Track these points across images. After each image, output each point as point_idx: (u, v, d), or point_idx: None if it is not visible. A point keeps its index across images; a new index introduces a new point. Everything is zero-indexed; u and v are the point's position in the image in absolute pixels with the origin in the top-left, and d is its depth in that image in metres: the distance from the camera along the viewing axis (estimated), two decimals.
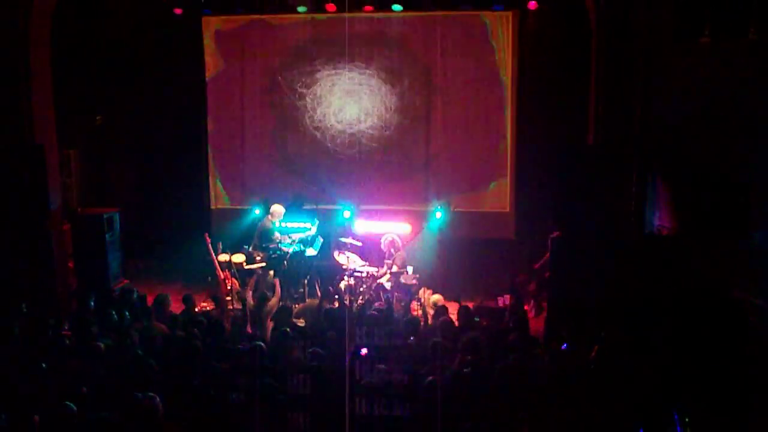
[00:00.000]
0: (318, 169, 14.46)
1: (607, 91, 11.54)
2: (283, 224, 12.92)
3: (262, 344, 7.95)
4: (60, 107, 12.09)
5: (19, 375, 7.18)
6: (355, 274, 12.33)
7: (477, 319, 9.69)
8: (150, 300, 10.44)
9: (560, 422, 6.50)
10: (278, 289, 11.00)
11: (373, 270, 12.48)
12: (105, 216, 12.20)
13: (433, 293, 11.96)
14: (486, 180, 14.28)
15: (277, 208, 12.76)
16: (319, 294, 12.17)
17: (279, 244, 12.40)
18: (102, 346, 7.89)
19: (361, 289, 12.18)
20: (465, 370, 7.30)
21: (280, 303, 10.81)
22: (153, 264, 14.13)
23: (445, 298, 11.43)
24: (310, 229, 12.98)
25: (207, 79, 14.53)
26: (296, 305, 11.13)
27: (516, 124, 14.03)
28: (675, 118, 10.50)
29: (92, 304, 9.99)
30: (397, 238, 12.73)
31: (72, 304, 11.25)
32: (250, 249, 12.64)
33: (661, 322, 8.64)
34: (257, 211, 13.36)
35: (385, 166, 14.41)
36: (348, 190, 14.00)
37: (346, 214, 13.34)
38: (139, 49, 14.29)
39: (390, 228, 13.14)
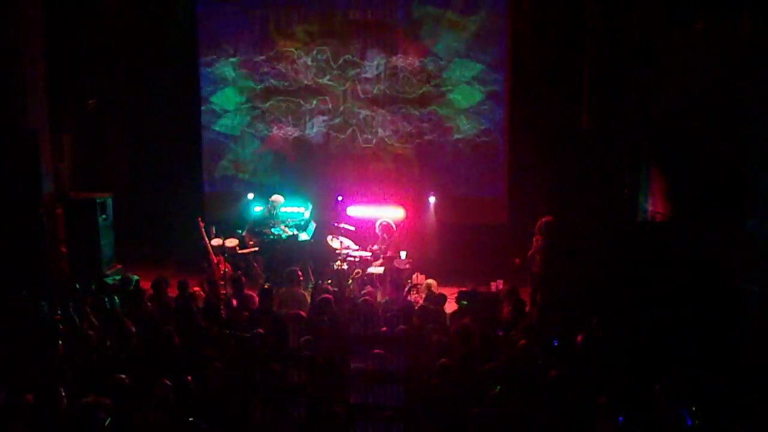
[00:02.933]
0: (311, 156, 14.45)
1: (601, 77, 11.53)
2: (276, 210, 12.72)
3: (261, 331, 7.86)
4: (53, 92, 11.93)
5: (10, 359, 7.14)
6: (348, 258, 12.20)
7: (464, 302, 9.45)
8: (144, 285, 10.32)
9: (539, 409, 6.43)
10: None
11: (366, 255, 12.32)
12: (98, 200, 12.08)
13: (426, 278, 11.80)
14: (479, 166, 14.14)
15: (277, 198, 12.57)
16: (312, 279, 12.03)
17: (272, 229, 12.25)
18: (92, 333, 7.87)
19: (354, 275, 11.97)
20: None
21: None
22: (146, 248, 13.99)
23: (438, 283, 11.32)
24: (303, 214, 12.83)
25: (202, 61, 14.40)
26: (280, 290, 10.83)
27: (510, 109, 13.87)
28: (669, 104, 10.38)
29: (85, 289, 9.81)
30: (391, 223, 12.64)
31: (65, 289, 10.55)
32: (244, 233, 12.52)
33: (654, 309, 8.56)
34: (251, 196, 13.23)
35: (375, 153, 14.32)
36: (341, 179, 13.97)
37: (341, 199, 13.22)
38: (133, 32, 14.06)
39: (383, 213, 13.03)
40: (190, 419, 6.00)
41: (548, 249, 10.27)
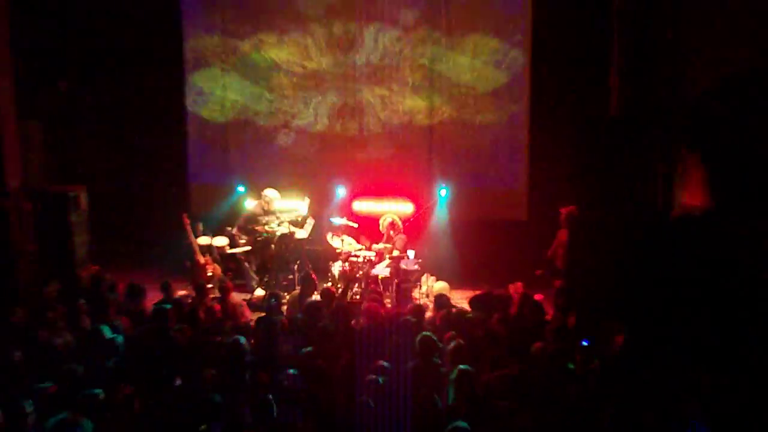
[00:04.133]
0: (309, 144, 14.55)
1: (631, 54, 11.35)
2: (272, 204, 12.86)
3: (241, 338, 7.87)
4: (20, 74, 11.91)
5: None
6: (351, 259, 12.22)
7: (469, 315, 9.36)
8: (121, 288, 10.36)
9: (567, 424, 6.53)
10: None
11: (370, 255, 12.36)
12: (71, 194, 12.01)
13: (436, 280, 12.05)
14: (497, 155, 14.18)
15: (271, 193, 12.56)
16: (317, 284, 12.22)
17: (266, 226, 12.28)
18: (60, 341, 7.87)
19: (358, 275, 12.07)
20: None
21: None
22: (126, 248, 14.00)
23: (450, 286, 11.47)
24: (300, 209, 12.83)
25: (186, 38, 14.46)
26: (285, 294, 11.04)
27: (531, 94, 13.93)
28: (709, 83, 10.29)
29: (56, 292, 9.91)
30: (397, 219, 12.68)
31: (34, 292, 10.95)
32: (234, 231, 12.55)
33: (690, 313, 8.53)
34: (241, 189, 13.29)
35: (382, 138, 14.39)
36: (341, 167, 14.05)
37: (342, 192, 13.36)
38: (109, 5, 14.01)
39: (389, 207, 13.19)
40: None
41: (573, 243, 10.26)
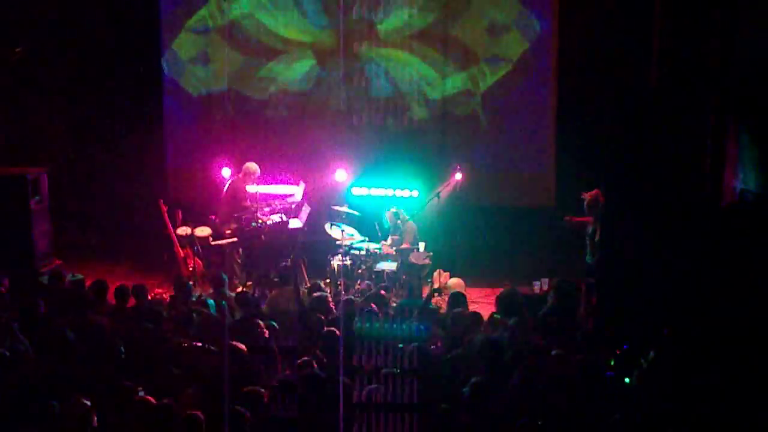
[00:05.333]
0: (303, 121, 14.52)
1: (676, 17, 11.25)
2: (260, 189, 12.86)
3: (212, 348, 7.87)
4: None
5: None
6: (352, 251, 12.24)
7: (497, 316, 9.38)
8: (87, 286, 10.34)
9: None
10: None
11: (374, 246, 12.35)
12: (29, 177, 11.85)
13: (450, 276, 12.05)
14: (520, 133, 14.14)
15: (252, 167, 12.56)
16: (305, 278, 12.08)
17: (255, 214, 12.20)
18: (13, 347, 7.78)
19: (359, 271, 12.08)
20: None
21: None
22: (93, 239, 14.01)
23: (466, 283, 11.56)
24: (294, 194, 12.79)
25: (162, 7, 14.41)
26: (271, 292, 10.96)
27: (558, 64, 13.85)
28: (763, 45, 10.19)
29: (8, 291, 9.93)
30: (404, 210, 12.61)
31: None
32: (218, 220, 12.45)
33: (744, 315, 8.40)
34: (227, 171, 13.17)
35: (386, 114, 14.32)
36: (342, 148, 13.91)
37: (342, 176, 13.25)
38: None
39: (395, 192, 13.10)
40: None
41: (604, 235, 10.13)
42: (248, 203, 12.37)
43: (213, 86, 14.52)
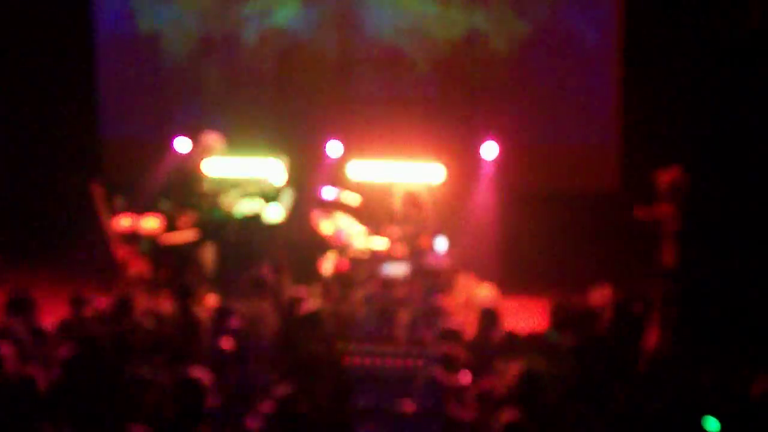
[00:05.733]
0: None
1: None
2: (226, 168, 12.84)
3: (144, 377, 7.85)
4: None
5: None
6: (350, 251, 12.18)
7: (554, 335, 9.43)
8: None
9: None
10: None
11: (380, 244, 12.31)
12: None
13: (479, 283, 11.84)
14: (572, 97, 14.13)
15: (214, 141, 12.50)
16: (288, 287, 11.70)
17: (219, 201, 12.17)
18: None
19: (360, 276, 11.96)
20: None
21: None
22: (10, 235, 13.92)
23: (500, 292, 11.22)
24: (272, 175, 12.82)
25: None
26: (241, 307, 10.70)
27: (625, 4, 13.88)
28: None
29: None
30: (419, 191, 12.60)
31: None
32: (171, 208, 12.37)
33: None
34: (183, 143, 13.17)
35: (394, 64, 14.38)
36: (337, 116, 14.09)
37: (336, 149, 13.38)
38: None
39: (407, 173, 13.07)
40: None
41: (686, 229, 10.10)
42: (207, 186, 12.35)
43: (162, 30, 14.71)
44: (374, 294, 11.56)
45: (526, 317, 11.57)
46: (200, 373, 7.44)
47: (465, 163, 13.45)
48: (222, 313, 9.93)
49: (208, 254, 12.40)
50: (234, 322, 9.72)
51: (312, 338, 8.99)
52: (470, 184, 13.28)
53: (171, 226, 12.36)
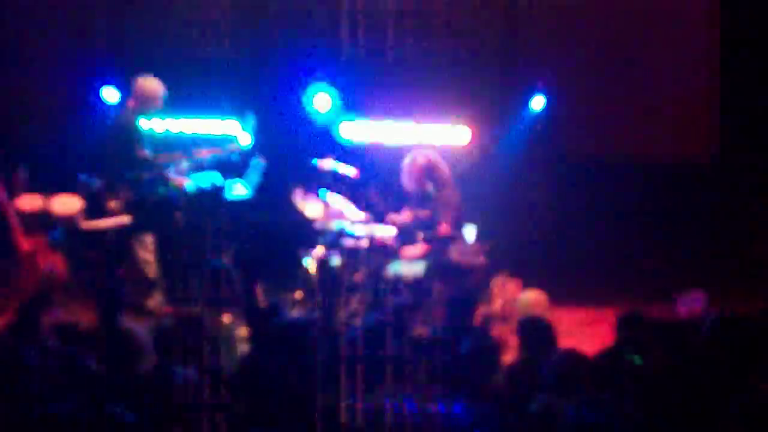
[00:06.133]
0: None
1: None
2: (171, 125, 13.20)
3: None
4: None
5: None
6: (345, 241, 12.21)
7: (636, 358, 8.80)
8: None
9: None
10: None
11: (384, 232, 12.28)
12: None
13: (523, 287, 11.91)
14: (651, 36, 14.21)
15: (152, 86, 12.49)
16: (258, 291, 12.26)
17: (163, 171, 12.19)
18: None
19: (357, 277, 12.11)
20: None
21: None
22: None
23: (551, 299, 11.20)
24: (237, 137, 12.89)
25: None
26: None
27: None
28: None
29: None
30: (437, 159, 12.44)
31: None
32: (97, 183, 12.37)
33: None
34: (108, 92, 13.37)
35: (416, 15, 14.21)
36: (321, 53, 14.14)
37: (323, 102, 13.49)
38: None
39: (420, 135, 13.52)
40: None
41: None
42: (146, 152, 12.27)
43: None
44: (376, 302, 11.49)
45: (584, 333, 11.59)
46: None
47: (500, 122, 13.63)
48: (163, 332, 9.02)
49: (148, 246, 12.37)
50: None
51: (291, 368, 8.37)
52: (508, 151, 13.36)
53: (95, 208, 12.30)
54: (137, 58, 13.91)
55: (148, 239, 12.38)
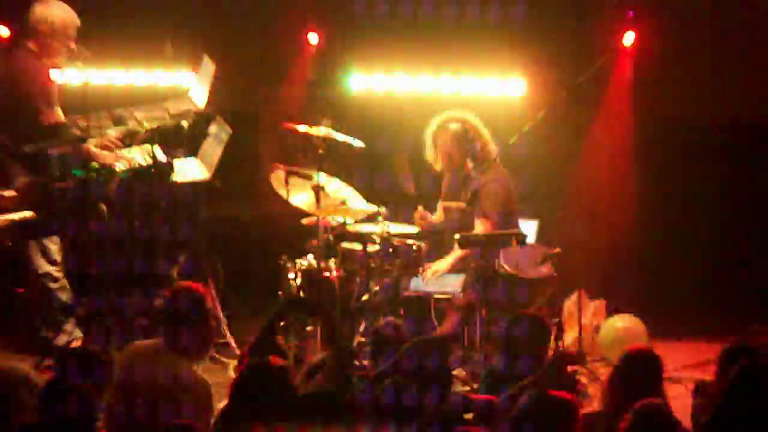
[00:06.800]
0: None
1: None
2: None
3: None
4: None
5: None
6: (348, 245, 11.81)
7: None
8: None
9: None
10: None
11: (404, 232, 11.76)
12: None
13: (609, 311, 11.82)
14: None
15: (58, 16, 11.50)
16: (220, 317, 11.59)
17: (81, 143, 11.32)
18: None
19: (365, 297, 11.44)
20: None
21: None
22: None
23: (649, 330, 11.29)
24: (189, 95, 11.92)
25: None
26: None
27: None
28: None
29: None
30: (477, 123, 11.61)
31: None
32: None
33: None
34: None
35: None
36: None
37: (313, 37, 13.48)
38: None
39: (455, 89, 13.23)
40: None
41: None
42: (56, 115, 11.46)
43: None
44: (393, 331, 9.36)
45: (689, 379, 10.45)
46: None
47: (569, 72, 12.44)
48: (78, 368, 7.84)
49: (53, 255, 11.45)
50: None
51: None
52: (580, 114, 12.69)
53: None
54: None
55: (53, 245, 11.30)
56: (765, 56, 13.57)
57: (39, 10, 11.35)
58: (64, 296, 11.45)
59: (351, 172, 12.24)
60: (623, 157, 13.22)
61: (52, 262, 11.49)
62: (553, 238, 11.57)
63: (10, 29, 12.69)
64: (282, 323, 10.64)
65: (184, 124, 11.54)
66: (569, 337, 11.29)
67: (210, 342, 9.41)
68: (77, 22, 11.43)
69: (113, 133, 11.37)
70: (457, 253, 11.19)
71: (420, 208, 11.72)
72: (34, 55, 11.41)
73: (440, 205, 11.88)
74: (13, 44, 12.11)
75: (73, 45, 11.45)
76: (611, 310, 11.61)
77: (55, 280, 11.47)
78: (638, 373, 7.97)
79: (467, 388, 10.37)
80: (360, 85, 13.48)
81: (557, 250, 10.93)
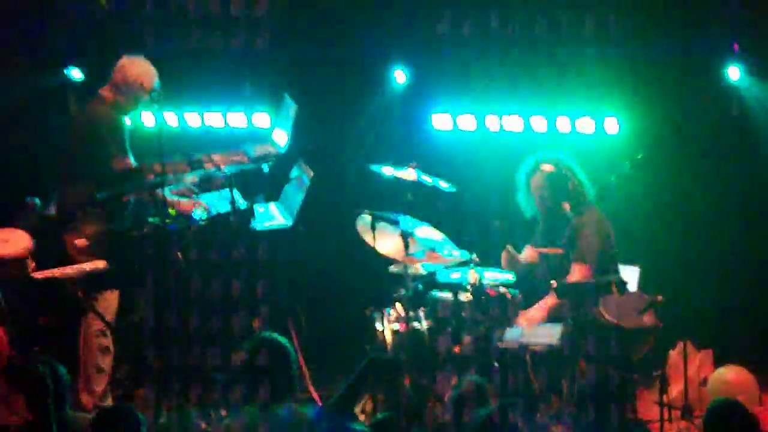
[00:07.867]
0: None
1: None
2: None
3: None
4: None
5: None
6: (438, 293, 11.39)
7: None
8: None
9: None
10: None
11: (497, 278, 11.37)
12: None
13: (717, 362, 11.26)
14: None
15: (140, 70, 11.37)
16: (306, 374, 11.69)
17: (156, 189, 10.92)
18: None
19: (457, 349, 11.06)
20: None
21: None
22: None
23: (761, 383, 10.61)
24: (266, 139, 12.01)
25: None
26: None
27: None
28: None
29: None
30: (572, 165, 11.44)
31: None
32: (52, 210, 11.94)
33: None
34: (72, 72, 13.12)
35: None
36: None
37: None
38: None
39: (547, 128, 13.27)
40: None
41: None
42: (130, 161, 11.30)
43: None
44: (476, 392, 8.94)
45: None
46: None
47: (671, 109, 12.52)
48: None
49: (109, 308, 11.06)
50: None
51: None
52: (687, 151, 12.42)
53: (50, 248, 11.22)
54: (114, 28, 13.03)
55: (112, 297, 10.93)
56: None
57: (124, 63, 11.11)
58: (106, 360, 10.98)
59: (440, 217, 11.86)
60: (729, 197, 12.90)
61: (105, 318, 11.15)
62: (655, 285, 11.16)
63: (84, 74, 12.76)
64: (367, 381, 10.66)
65: (265, 167, 11.36)
66: (675, 389, 10.91)
67: (293, 397, 9.97)
68: (156, 79, 11.22)
69: (190, 178, 11.19)
70: (550, 299, 10.87)
71: (509, 247, 11.42)
72: (110, 103, 11.23)
73: (528, 248, 11.42)
74: (89, 92, 11.90)
75: (145, 97, 11.20)
76: (718, 361, 11.00)
77: (104, 337, 11.12)
78: (724, 427, 7.66)
79: None
80: (447, 125, 13.30)
81: (660, 297, 10.50)
